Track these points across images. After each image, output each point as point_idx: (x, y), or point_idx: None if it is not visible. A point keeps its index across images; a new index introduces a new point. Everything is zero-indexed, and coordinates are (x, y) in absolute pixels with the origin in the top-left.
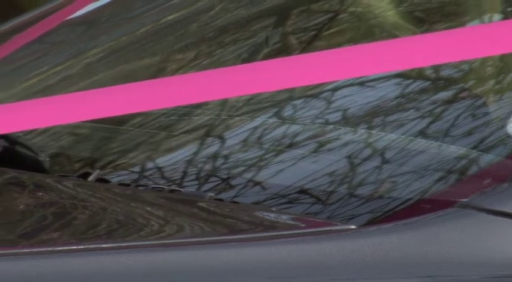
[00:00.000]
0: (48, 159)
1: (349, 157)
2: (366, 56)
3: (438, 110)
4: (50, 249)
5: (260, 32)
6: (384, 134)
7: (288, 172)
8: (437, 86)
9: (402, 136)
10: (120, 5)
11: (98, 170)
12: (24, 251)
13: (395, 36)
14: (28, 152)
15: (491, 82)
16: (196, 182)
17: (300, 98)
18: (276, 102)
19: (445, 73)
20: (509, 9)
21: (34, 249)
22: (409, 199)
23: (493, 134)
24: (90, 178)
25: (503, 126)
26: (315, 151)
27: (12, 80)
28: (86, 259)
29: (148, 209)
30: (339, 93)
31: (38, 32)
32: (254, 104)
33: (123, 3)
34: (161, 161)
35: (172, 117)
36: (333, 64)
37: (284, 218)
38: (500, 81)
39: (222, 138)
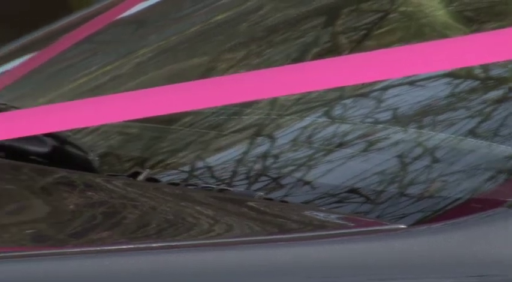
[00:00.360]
0: (97, 158)
1: (398, 156)
2: (416, 56)
3: (488, 109)
4: (99, 248)
5: (310, 31)
6: (433, 133)
7: (338, 171)
8: (487, 85)
9: (452, 135)
10: (169, 4)
11: (147, 170)
12: (74, 250)
13: (445, 35)
14: (78, 151)
15: None
16: (245, 182)
17: (349, 97)
18: (326, 102)
19: (494, 72)
20: None
21: (83, 249)
22: (459, 198)
23: None
24: (140, 177)
25: None
26: (365, 150)
27: (61, 80)
28: (135, 259)
29: (198, 208)
30: (388, 92)
31: (87, 31)
32: (304, 104)
33: (173, 2)
34: (211, 160)
35: (222, 117)
36: (383, 64)
37: (333, 217)
38: None
39: (271, 138)
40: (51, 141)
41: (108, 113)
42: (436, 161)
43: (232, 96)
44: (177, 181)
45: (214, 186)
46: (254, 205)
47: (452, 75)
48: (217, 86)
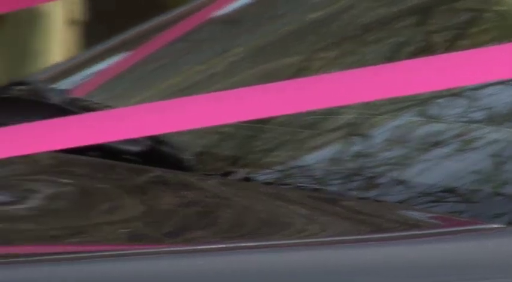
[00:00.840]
0: (192, 157)
1: (493, 155)
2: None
3: None
4: (192, 248)
5: (403, 30)
6: None
7: (432, 171)
8: None
9: None
10: (263, 3)
11: (241, 169)
12: (168, 249)
13: None
14: (172, 150)
15: None
16: (340, 181)
17: (443, 96)
18: (420, 101)
19: None
20: None
21: (177, 248)
22: None
23: None
24: (234, 177)
25: None
26: (459, 150)
27: (155, 79)
28: (228, 258)
29: (292, 207)
30: (482, 91)
31: (181, 30)
32: (397, 103)
33: (266, 2)
34: (304, 159)
35: (316, 116)
36: (477, 65)
37: (427, 216)
38: None
39: (365, 137)
40: (145, 140)
41: (200, 115)
42: None
43: (326, 98)
44: (271, 180)
45: (309, 186)
46: (348, 204)
47: None
48: (310, 87)
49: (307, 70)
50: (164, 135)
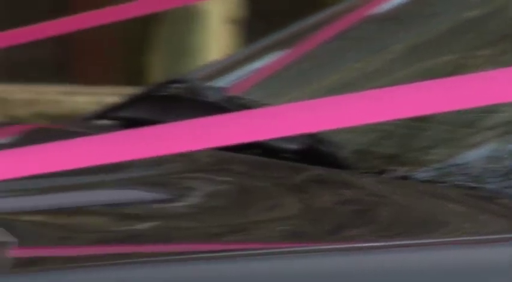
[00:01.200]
0: (350, 155)
1: None
2: None
3: None
4: (351, 246)
5: None
6: None
7: None
8: None
9: None
10: (420, 1)
11: (399, 167)
12: (327, 247)
13: None
14: (330, 148)
15: None
16: (497, 179)
17: None
18: None
19: None
20: None
21: (336, 246)
22: None
23: None
24: (392, 175)
25: None
26: None
27: (311, 77)
28: (386, 256)
29: (450, 206)
30: None
31: (338, 28)
32: None
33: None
34: (462, 157)
35: (474, 114)
36: None
37: None
38: None
39: None
40: (303, 139)
41: (355, 113)
42: None
43: (482, 96)
44: (428, 178)
45: (466, 184)
46: (505, 202)
47: None
48: (466, 84)
49: (464, 68)
50: (322, 133)
